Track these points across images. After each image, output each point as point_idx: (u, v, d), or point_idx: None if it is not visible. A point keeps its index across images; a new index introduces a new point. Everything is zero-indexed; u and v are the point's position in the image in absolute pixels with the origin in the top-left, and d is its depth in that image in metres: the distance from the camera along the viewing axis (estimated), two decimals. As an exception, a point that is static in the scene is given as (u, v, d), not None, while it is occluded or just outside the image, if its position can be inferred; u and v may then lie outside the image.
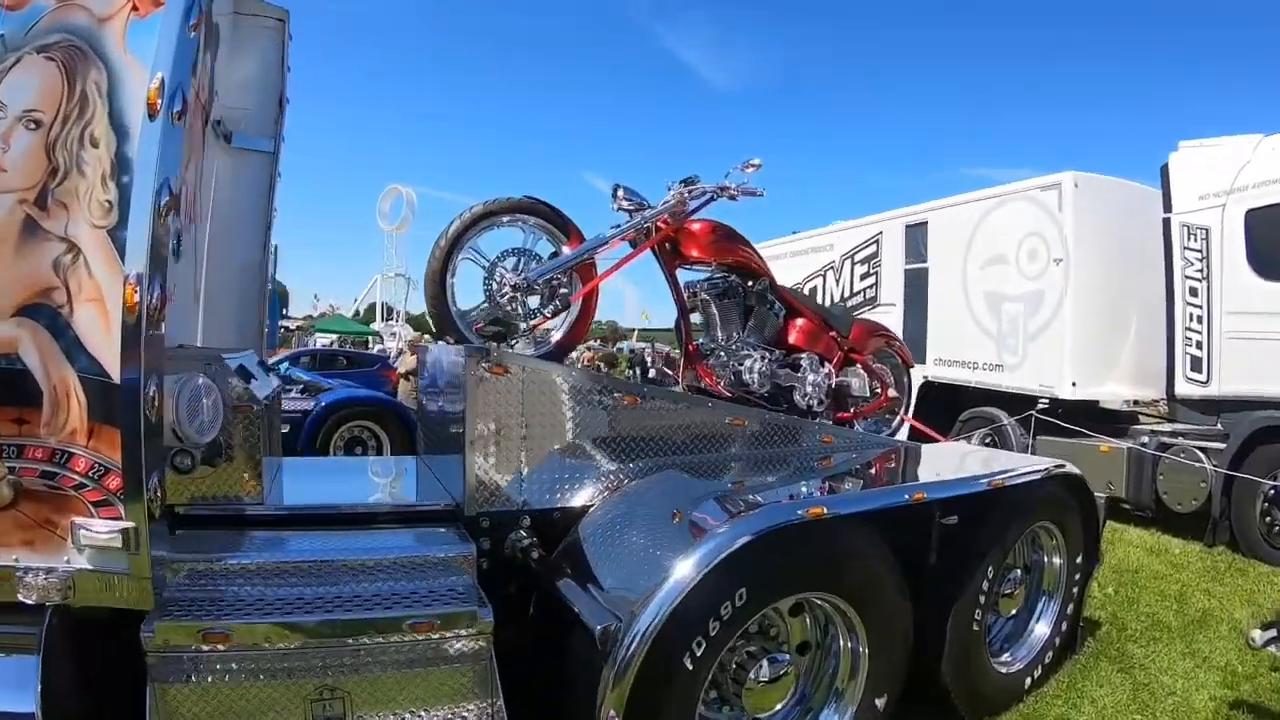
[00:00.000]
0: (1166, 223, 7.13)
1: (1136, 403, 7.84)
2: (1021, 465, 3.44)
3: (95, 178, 2.01)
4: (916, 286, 9.24)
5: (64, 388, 1.98)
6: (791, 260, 11.20)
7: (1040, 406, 7.67)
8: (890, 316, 9.43)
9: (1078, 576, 3.62)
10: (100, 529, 1.98)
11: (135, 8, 2.10)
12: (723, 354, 3.40)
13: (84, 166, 2.01)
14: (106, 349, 1.98)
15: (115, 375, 1.97)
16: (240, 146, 3.99)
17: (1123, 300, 7.66)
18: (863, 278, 10.00)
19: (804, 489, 3.04)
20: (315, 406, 7.94)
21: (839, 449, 3.48)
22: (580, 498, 2.69)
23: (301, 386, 8.93)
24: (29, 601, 1.96)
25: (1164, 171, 7.22)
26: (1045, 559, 3.61)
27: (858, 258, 10.09)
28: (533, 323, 2.95)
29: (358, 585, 2.27)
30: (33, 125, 2.01)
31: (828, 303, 10.46)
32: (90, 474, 1.99)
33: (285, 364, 12.19)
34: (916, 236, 9.29)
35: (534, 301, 2.97)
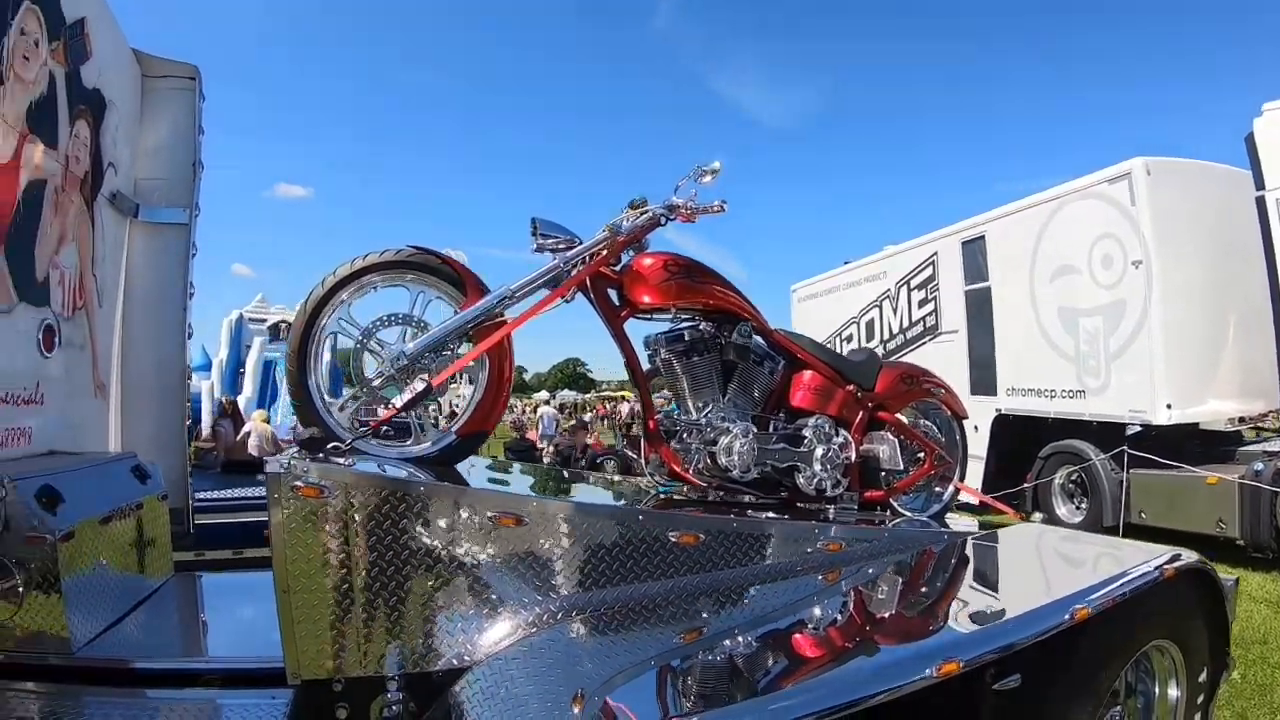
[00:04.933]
0: (1260, 202, 6.08)
1: (1244, 420, 6.54)
2: (1123, 567, 2.37)
3: None
4: (979, 309, 8.30)
5: None
6: (845, 293, 10.47)
7: (1132, 433, 6.55)
8: (953, 345, 8.54)
9: (1200, 699, 2.53)
10: None
11: None
12: (693, 430, 2.61)
13: None
14: None
15: None
16: (148, 220, 3.74)
17: (1218, 301, 6.54)
18: (921, 304, 9.11)
19: (770, 652, 1.96)
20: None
21: (852, 557, 2.43)
22: (456, 654, 1.98)
23: None
24: None
25: (1249, 142, 6.16)
26: (1156, 688, 2.51)
27: (914, 283, 9.23)
28: (371, 421, 2.28)
29: None
30: None
31: (885, 337, 9.62)
32: None
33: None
34: (974, 253, 8.39)
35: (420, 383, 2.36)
